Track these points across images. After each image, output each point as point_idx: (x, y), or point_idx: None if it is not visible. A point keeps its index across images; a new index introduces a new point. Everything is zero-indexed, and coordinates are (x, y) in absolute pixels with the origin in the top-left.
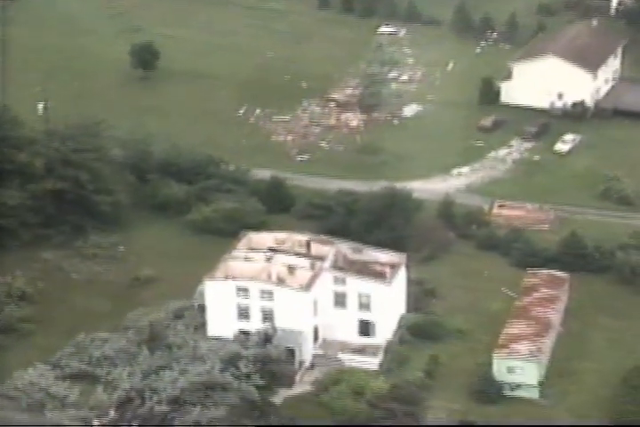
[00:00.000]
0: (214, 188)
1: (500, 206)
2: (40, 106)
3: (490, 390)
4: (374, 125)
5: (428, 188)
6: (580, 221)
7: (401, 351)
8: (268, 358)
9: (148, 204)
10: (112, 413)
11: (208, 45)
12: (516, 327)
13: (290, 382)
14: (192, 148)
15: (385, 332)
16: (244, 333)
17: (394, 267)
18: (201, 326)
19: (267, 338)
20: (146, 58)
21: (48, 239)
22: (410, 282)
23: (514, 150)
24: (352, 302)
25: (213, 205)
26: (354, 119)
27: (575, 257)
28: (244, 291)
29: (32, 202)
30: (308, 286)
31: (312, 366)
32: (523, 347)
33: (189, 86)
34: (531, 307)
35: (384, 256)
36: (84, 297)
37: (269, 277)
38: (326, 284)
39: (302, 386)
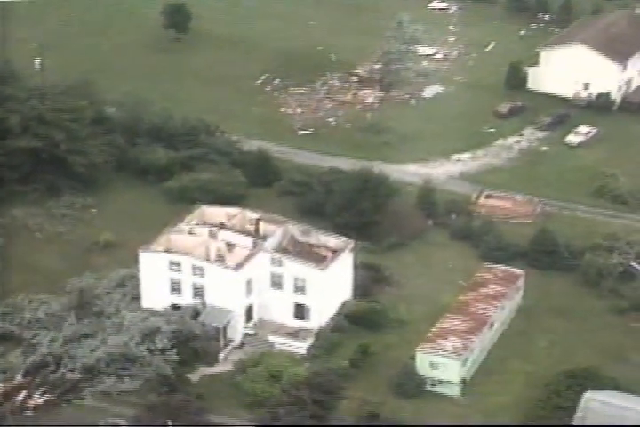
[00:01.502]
0: (200, 157)
1: (488, 196)
2: (37, 61)
3: (410, 385)
4: (389, 104)
5: (421, 172)
6: (568, 216)
7: (332, 338)
8: (191, 335)
9: (131, 168)
10: (19, 377)
11: (253, 10)
12: (449, 322)
13: (212, 361)
14: (195, 113)
15: (320, 317)
16: (176, 307)
17: (336, 252)
18: (139, 297)
19: (196, 314)
20: (177, 19)
21: (23, 196)
22: (366, 268)
23: (524, 139)
24: (288, 284)
25: (194, 174)
26: (370, 96)
27: (544, 254)
28: (176, 265)
29: (8, 159)
30: (239, 266)
31: (241, 346)
32: (449, 343)
33: (217, 50)
34: (472, 302)
35: (332, 240)
36: (40, 257)
37: (207, 252)
38: (264, 264)
39: (225, 365)
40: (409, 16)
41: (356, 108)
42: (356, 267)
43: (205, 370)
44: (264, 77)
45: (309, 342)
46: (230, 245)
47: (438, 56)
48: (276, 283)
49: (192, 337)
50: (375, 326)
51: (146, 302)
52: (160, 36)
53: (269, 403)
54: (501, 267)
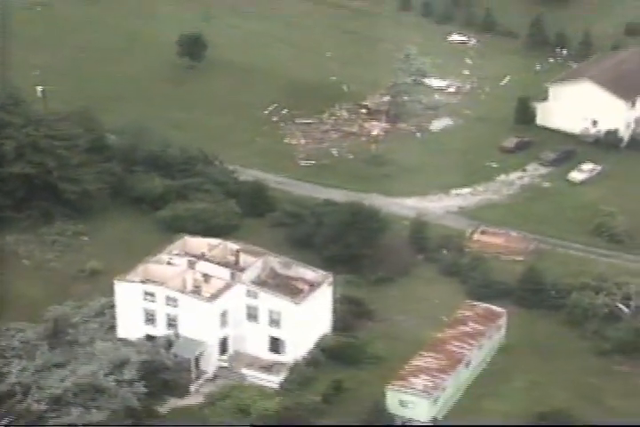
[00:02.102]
0: (195, 186)
1: (483, 232)
2: (39, 89)
3: (379, 422)
4: (395, 136)
5: (419, 206)
6: (561, 254)
7: (306, 372)
8: (161, 366)
9: (127, 196)
10: None
11: (271, 39)
12: (422, 360)
13: (183, 393)
14: (199, 142)
15: (295, 350)
16: (150, 337)
17: (312, 285)
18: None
19: (169, 345)
20: (192, 48)
21: (17, 223)
22: (349, 302)
23: (526, 175)
24: (263, 317)
25: (187, 203)
26: (376, 128)
27: (530, 292)
28: (151, 295)
29: (1, 184)
30: (213, 297)
31: (214, 378)
32: (420, 381)
33: (230, 79)
34: (448, 340)
35: (310, 274)
36: (25, 284)
37: (184, 283)
38: (240, 296)
39: (196, 397)
40: (416, 48)
41: (362, 139)
42: (338, 301)
43: (176, 402)
44: (272, 107)
45: (282, 375)
46: (207, 277)
47: (451, 89)
48: (252, 315)
49: (163, 368)
50: (352, 361)
51: (121, 332)
52: (175, 63)
53: None
54: (483, 305)
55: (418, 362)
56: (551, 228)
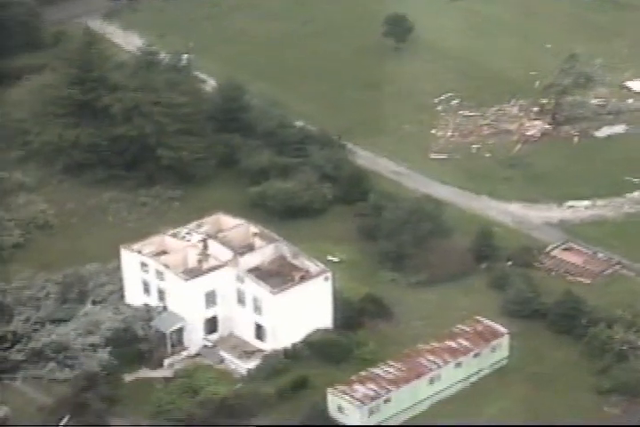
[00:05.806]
0: (296, 166)
1: (566, 249)
2: (184, 57)
3: (316, 423)
4: (551, 139)
5: (518, 213)
6: (638, 283)
7: (277, 364)
8: (134, 335)
9: (234, 168)
10: None
11: (497, 26)
12: (383, 369)
13: (155, 365)
14: (347, 124)
15: (276, 340)
16: (147, 306)
17: (303, 278)
18: None
19: (152, 316)
20: (397, 29)
21: (122, 181)
22: (369, 301)
23: None
24: (249, 302)
25: (278, 182)
26: (534, 128)
27: (562, 317)
28: (145, 266)
29: (112, 144)
30: (193, 276)
31: (195, 356)
32: (363, 389)
33: (424, 63)
34: (424, 353)
35: (312, 267)
36: (95, 239)
37: (185, 259)
38: (230, 279)
39: (166, 371)
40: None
41: (512, 138)
42: (360, 298)
43: (145, 373)
44: (445, 96)
45: (253, 363)
46: (205, 255)
47: None
48: (241, 300)
49: (138, 338)
50: (335, 359)
51: (128, 298)
52: (376, 42)
53: (170, 416)
54: (488, 322)
55: (376, 370)
56: None
